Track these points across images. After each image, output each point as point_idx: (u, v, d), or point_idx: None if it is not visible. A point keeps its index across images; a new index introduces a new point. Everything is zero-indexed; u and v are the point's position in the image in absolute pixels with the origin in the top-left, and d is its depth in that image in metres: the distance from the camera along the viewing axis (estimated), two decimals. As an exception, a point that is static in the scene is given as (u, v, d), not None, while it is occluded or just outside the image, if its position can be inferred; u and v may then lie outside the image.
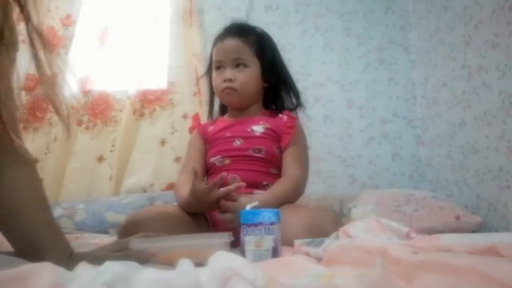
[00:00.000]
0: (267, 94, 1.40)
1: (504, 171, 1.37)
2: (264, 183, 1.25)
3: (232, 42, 1.32)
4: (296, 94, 1.39)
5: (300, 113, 1.40)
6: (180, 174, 1.36)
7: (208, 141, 1.36)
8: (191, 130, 1.47)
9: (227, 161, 1.28)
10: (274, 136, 1.30)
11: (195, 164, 1.32)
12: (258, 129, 1.31)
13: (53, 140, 1.75)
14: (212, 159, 1.31)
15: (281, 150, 1.30)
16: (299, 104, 1.39)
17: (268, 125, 1.31)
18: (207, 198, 1.09)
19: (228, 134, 1.32)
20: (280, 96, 1.40)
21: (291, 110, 1.38)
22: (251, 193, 1.19)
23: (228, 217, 1.07)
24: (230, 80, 1.30)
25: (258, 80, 1.34)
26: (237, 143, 1.29)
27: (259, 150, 1.27)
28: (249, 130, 1.30)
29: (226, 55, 1.32)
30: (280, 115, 1.35)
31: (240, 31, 1.36)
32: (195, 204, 1.13)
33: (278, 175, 1.28)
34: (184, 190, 1.18)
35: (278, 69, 1.37)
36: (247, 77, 1.31)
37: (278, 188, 1.21)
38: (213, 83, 1.37)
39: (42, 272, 0.40)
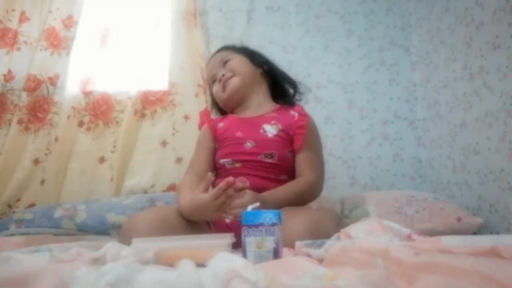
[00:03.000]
0: (273, 90, 1.43)
1: (506, 173, 1.37)
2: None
3: (214, 57, 1.45)
4: (292, 82, 1.44)
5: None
6: (186, 172, 1.32)
7: (217, 139, 1.34)
8: (200, 126, 1.44)
9: (237, 165, 1.26)
10: (286, 138, 1.28)
11: (203, 163, 1.30)
12: (270, 129, 1.28)
13: (53, 141, 1.75)
14: (222, 161, 1.29)
15: (294, 153, 1.28)
16: (296, 90, 1.43)
17: (280, 126, 1.29)
18: (210, 206, 1.03)
19: (239, 134, 1.29)
20: (284, 88, 1.43)
21: (292, 101, 1.41)
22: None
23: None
24: (223, 75, 1.36)
25: (249, 64, 1.38)
26: (248, 145, 1.27)
27: (271, 156, 1.25)
28: (261, 130, 1.28)
29: (214, 66, 1.41)
30: (292, 112, 1.33)
31: (220, 48, 1.49)
32: (196, 214, 1.08)
33: (288, 181, 1.26)
34: (189, 195, 1.12)
35: (265, 58, 1.44)
36: (236, 63, 1.37)
37: (290, 189, 1.19)
38: (215, 96, 1.42)
39: (45, 274, 0.40)
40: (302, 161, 1.27)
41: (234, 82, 1.35)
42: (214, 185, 1.28)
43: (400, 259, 0.54)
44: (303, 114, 1.33)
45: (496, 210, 1.43)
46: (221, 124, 1.36)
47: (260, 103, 1.37)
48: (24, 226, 1.45)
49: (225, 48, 1.46)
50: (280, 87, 1.43)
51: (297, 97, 1.43)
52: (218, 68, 1.39)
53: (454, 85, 1.67)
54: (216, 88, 1.39)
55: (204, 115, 1.45)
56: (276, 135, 1.28)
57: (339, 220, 1.18)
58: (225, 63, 1.38)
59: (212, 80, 1.42)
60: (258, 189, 1.20)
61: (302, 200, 1.21)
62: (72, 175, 1.78)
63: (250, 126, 1.30)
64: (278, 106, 1.38)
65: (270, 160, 1.25)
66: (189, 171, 1.32)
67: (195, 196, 1.07)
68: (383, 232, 0.79)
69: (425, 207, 1.39)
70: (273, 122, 1.30)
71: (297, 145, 1.28)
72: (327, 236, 0.91)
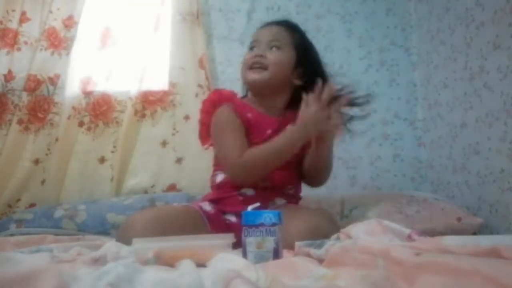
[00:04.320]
0: (298, 95, 1.25)
1: (506, 173, 1.37)
2: (289, 186, 1.27)
3: (273, 27, 1.30)
4: None
5: None
6: (233, 154, 1.17)
7: (247, 128, 1.24)
8: (215, 99, 1.29)
9: None
10: None
11: (244, 142, 1.19)
12: None
13: (54, 141, 1.75)
14: None
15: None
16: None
17: None
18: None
19: (269, 132, 1.23)
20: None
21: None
22: (273, 199, 1.23)
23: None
24: (261, 56, 1.24)
25: (290, 67, 1.25)
26: None
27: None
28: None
29: (263, 36, 1.28)
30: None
31: (287, 22, 1.33)
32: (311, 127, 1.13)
33: (299, 172, 1.29)
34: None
35: (314, 71, 1.28)
36: (279, 57, 1.24)
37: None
38: (242, 62, 1.29)
39: (45, 274, 0.40)
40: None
41: (261, 77, 1.23)
42: (225, 181, 1.26)
43: (401, 259, 0.54)
44: None
45: (496, 211, 1.43)
46: (249, 115, 1.26)
47: (278, 109, 1.29)
48: (24, 226, 1.45)
49: (288, 26, 1.31)
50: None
51: None
52: (264, 41, 1.26)
53: (455, 85, 1.67)
54: (247, 60, 1.27)
55: (233, 96, 1.31)
56: None
57: (336, 222, 1.18)
58: (272, 46, 1.25)
59: (251, 45, 1.30)
60: (279, 183, 1.24)
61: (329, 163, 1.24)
62: (72, 175, 1.78)
63: (279, 126, 1.23)
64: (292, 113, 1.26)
65: (291, 158, 1.22)
66: (237, 152, 1.17)
67: (303, 114, 1.12)
68: (383, 233, 0.79)
69: (425, 207, 1.40)
70: (291, 122, 1.21)
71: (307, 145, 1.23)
72: (326, 237, 0.91)
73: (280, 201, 1.24)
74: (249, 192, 1.22)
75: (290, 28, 1.31)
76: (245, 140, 1.20)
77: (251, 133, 1.23)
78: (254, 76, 1.24)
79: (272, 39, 1.26)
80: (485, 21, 1.47)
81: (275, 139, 1.16)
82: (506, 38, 1.36)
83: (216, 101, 1.28)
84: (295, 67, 1.27)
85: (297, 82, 1.27)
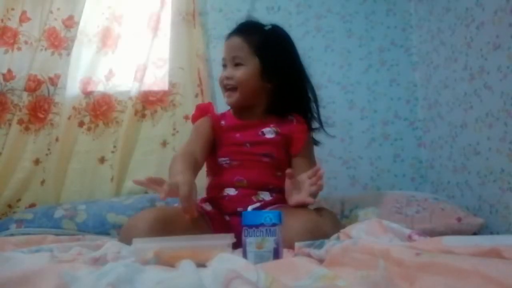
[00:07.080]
0: (276, 97, 1.34)
1: (506, 173, 1.37)
2: (270, 186, 1.26)
3: (232, 41, 1.34)
4: (306, 98, 1.37)
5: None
6: (180, 151, 1.29)
7: (217, 136, 1.33)
8: (196, 118, 1.40)
9: (234, 163, 1.29)
10: (284, 140, 1.31)
11: (197, 147, 1.27)
12: (269, 132, 1.31)
13: (54, 141, 1.75)
14: (220, 160, 1.31)
15: (291, 155, 1.31)
16: (316, 105, 1.38)
17: (278, 129, 1.31)
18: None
19: (238, 136, 1.31)
20: (288, 98, 1.34)
21: (305, 116, 1.36)
22: (256, 193, 1.23)
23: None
24: (229, 78, 1.32)
25: (257, 78, 1.30)
26: (247, 145, 1.29)
27: (269, 155, 1.28)
28: (259, 133, 1.31)
29: (227, 53, 1.34)
30: (290, 117, 1.34)
31: (245, 29, 1.36)
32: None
33: (283, 178, 1.27)
34: (180, 167, 1.17)
35: (284, 69, 1.33)
36: (243, 75, 1.30)
37: None
38: (218, 81, 1.39)
39: (46, 274, 0.40)
40: (302, 166, 1.27)
41: (234, 99, 1.32)
42: (212, 184, 1.31)
43: (401, 259, 0.54)
44: (302, 122, 1.34)
45: (496, 211, 1.43)
46: (223, 122, 1.36)
47: (258, 114, 1.35)
48: (24, 226, 1.45)
49: (246, 34, 1.32)
50: (286, 101, 1.34)
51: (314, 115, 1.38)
52: (228, 58, 1.33)
53: (455, 86, 1.67)
54: (221, 80, 1.35)
55: (210, 107, 1.43)
56: (273, 138, 1.30)
57: (337, 221, 1.18)
58: (235, 64, 1.31)
59: (222, 63, 1.37)
60: (256, 183, 1.25)
61: None
62: (73, 175, 1.79)
63: (250, 129, 1.32)
64: (274, 114, 1.35)
65: (267, 159, 1.28)
66: (182, 151, 1.27)
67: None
68: (384, 233, 0.79)
69: (426, 208, 1.40)
70: (271, 125, 1.32)
71: (296, 149, 1.30)
72: (326, 236, 0.91)
73: (264, 195, 1.24)
74: (231, 191, 1.26)
75: (248, 34, 1.33)
76: (200, 146, 1.27)
77: (224, 137, 1.32)
78: (229, 99, 1.34)
79: (234, 55, 1.31)
80: (485, 21, 1.47)
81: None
82: (506, 38, 1.36)
83: (197, 116, 1.40)
84: (262, 72, 1.31)
85: (269, 85, 1.32)
